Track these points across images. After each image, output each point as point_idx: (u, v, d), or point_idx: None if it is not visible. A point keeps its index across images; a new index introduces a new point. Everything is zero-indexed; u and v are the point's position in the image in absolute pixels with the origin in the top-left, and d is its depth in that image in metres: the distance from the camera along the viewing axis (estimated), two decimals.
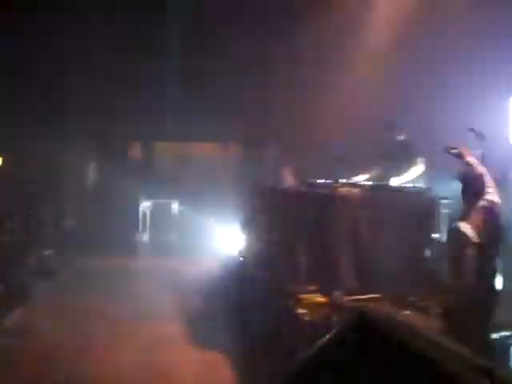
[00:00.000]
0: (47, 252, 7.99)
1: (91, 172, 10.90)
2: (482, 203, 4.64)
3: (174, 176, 10.77)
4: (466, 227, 4.57)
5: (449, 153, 4.92)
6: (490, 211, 4.64)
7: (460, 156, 4.84)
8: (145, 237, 10.03)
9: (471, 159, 4.81)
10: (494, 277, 4.55)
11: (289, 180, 7.57)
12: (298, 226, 5.99)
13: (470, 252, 4.49)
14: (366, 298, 5.38)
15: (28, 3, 9.13)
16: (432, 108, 7.53)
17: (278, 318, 5.32)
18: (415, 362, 1.72)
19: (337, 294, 5.63)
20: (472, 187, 4.75)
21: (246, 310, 5.70)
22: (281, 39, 9.36)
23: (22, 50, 9.07)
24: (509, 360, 4.58)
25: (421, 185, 6.43)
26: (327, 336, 2.25)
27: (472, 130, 5.10)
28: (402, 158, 6.60)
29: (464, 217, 4.67)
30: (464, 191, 4.82)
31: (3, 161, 9.37)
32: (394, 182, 6.39)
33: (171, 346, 5.13)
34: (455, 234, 4.60)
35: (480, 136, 5.06)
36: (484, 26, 7.06)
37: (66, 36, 9.67)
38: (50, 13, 9.30)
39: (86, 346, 4.98)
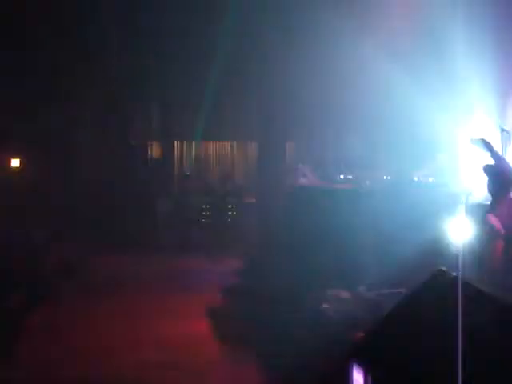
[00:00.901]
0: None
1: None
2: (509, 196, 4.65)
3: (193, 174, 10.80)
4: (493, 220, 4.58)
5: (475, 144, 4.92)
6: None
7: (487, 148, 4.83)
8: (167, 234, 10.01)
9: (498, 153, 4.81)
10: None
11: (309, 178, 7.58)
12: (322, 222, 6.01)
13: (499, 244, 4.49)
14: (389, 293, 5.38)
15: None
16: (455, 105, 7.47)
17: (304, 313, 5.33)
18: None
19: (361, 288, 5.64)
20: (499, 180, 4.75)
21: (271, 307, 5.71)
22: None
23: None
24: None
25: (444, 179, 6.44)
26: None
27: (501, 127, 5.13)
28: (423, 153, 6.61)
29: (491, 209, 4.68)
30: (490, 185, 4.82)
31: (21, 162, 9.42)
32: (417, 176, 6.40)
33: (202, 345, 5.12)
34: (483, 226, 4.60)
35: (507, 133, 5.08)
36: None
37: None
38: None
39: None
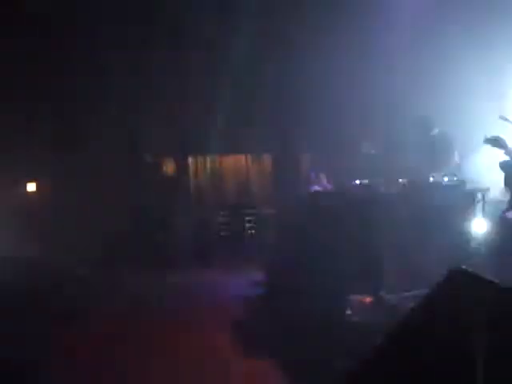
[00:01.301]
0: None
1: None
2: None
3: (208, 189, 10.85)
4: None
5: (490, 143, 4.88)
6: None
7: (502, 145, 4.79)
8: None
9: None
10: None
11: (325, 184, 7.57)
12: (341, 228, 5.98)
13: None
14: (411, 296, 5.35)
15: None
16: (467, 99, 7.42)
17: (327, 319, 5.31)
18: None
19: (382, 293, 5.61)
20: None
21: (293, 313, 5.70)
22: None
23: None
24: None
25: (458, 177, 6.37)
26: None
27: (503, 117, 5.07)
28: (438, 152, 6.55)
29: (509, 206, 4.63)
30: (508, 180, 4.77)
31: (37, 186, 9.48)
32: (432, 176, 6.34)
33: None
34: (503, 222, 4.56)
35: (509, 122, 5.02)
36: None
37: None
38: None
39: None
